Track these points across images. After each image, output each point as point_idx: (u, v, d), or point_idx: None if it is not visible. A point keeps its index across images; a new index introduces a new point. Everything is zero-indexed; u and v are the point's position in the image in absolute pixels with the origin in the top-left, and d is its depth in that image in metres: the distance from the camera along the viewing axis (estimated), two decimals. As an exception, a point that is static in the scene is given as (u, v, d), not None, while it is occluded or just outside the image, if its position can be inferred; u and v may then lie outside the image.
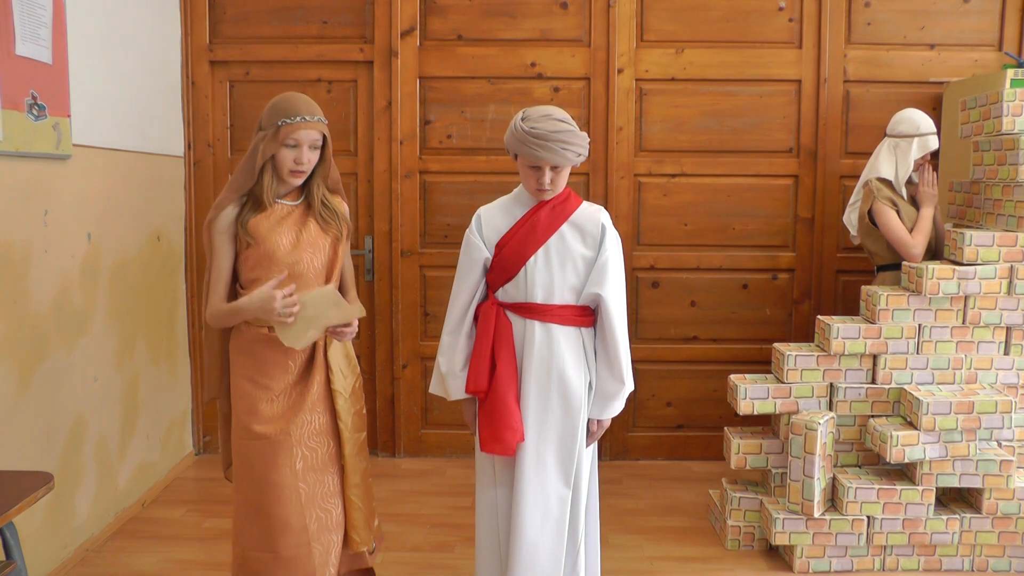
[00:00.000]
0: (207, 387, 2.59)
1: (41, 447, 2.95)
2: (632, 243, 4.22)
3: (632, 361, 2.47)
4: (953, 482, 3.08)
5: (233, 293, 2.44)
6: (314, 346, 2.42)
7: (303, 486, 2.38)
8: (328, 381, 2.45)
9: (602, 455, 4.28)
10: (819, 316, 3.33)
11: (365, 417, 2.57)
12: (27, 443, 2.86)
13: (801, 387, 3.22)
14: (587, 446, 2.47)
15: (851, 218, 3.64)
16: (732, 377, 3.36)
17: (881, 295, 3.17)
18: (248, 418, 2.38)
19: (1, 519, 2.15)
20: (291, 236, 2.38)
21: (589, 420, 2.45)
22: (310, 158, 2.37)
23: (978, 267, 3.12)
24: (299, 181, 2.39)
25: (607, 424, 2.48)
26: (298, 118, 2.31)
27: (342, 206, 2.53)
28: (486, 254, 2.41)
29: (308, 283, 2.39)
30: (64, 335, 3.10)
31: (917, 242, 3.35)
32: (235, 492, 2.46)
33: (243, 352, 2.41)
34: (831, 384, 3.23)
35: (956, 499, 3.24)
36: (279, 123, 2.31)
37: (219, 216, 2.37)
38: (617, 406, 2.44)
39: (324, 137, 2.39)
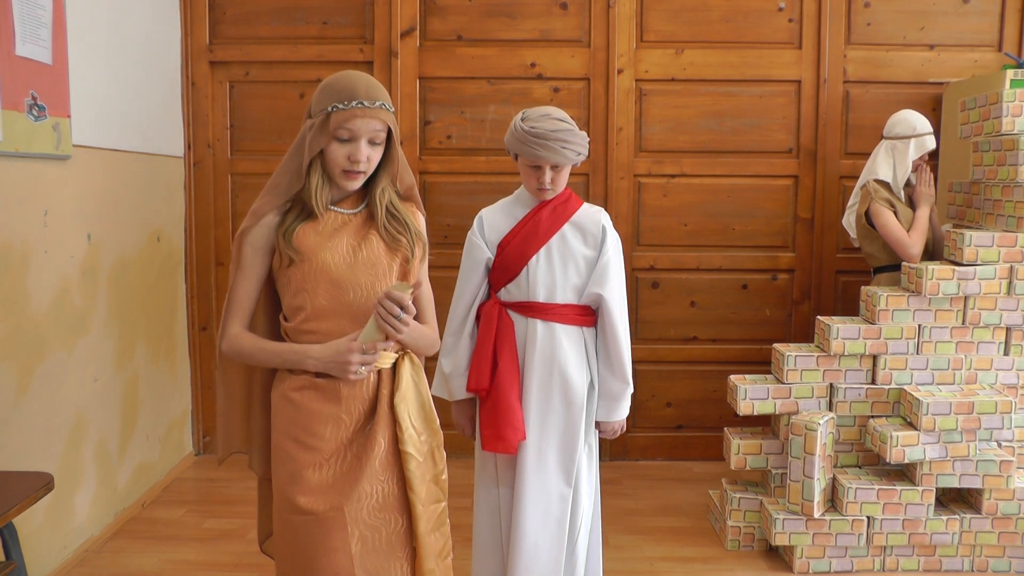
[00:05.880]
0: (223, 438, 2.03)
1: (41, 447, 2.94)
2: (632, 243, 4.22)
3: (632, 361, 2.47)
4: (953, 482, 3.08)
5: (273, 323, 1.97)
6: (377, 395, 1.89)
7: (361, 573, 1.84)
8: (396, 439, 1.89)
9: (602, 455, 4.26)
10: (819, 316, 3.34)
11: (446, 483, 2.00)
12: (27, 443, 2.86)
13: (801, 387, 3.22)
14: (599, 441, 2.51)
15: (850, 220, 3.64)
16: (732, 378, 3.36)
17: (881, 295, 3.17)
18: (291, 488, 1.85)
19: (1, 519, 2.15)
20: (346, 252, 1.85)
21: (600, 424, 2.47)
22: (369, 155, 1.83)
23: (978, 267, 3.12)
24: (355, 184, 1.86)
25: (620, 426, 2.49)
26: (354, 103, 1.78)
27: (416, 217, 1.98)
28: (488, 254, 2.42)
29: (366, 315, 1.84)
30: (64, 335, 3.10)
31: (915, 241, 3.35)
32: (278, 575, 1.95)
33: (286, 402, 1.88)
34: (831, 384, 3.23)
35: (956, 499, 3.24)
36: (330, 108, 1.79)
37: (256, 226, 1.86)
38: (625, 406, 2.45)
39: (389, 129, 1.85)
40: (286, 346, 1.87)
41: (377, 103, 1.81)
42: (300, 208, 1.87)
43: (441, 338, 2.46)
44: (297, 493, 1.84)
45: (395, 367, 1.92)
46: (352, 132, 1.80)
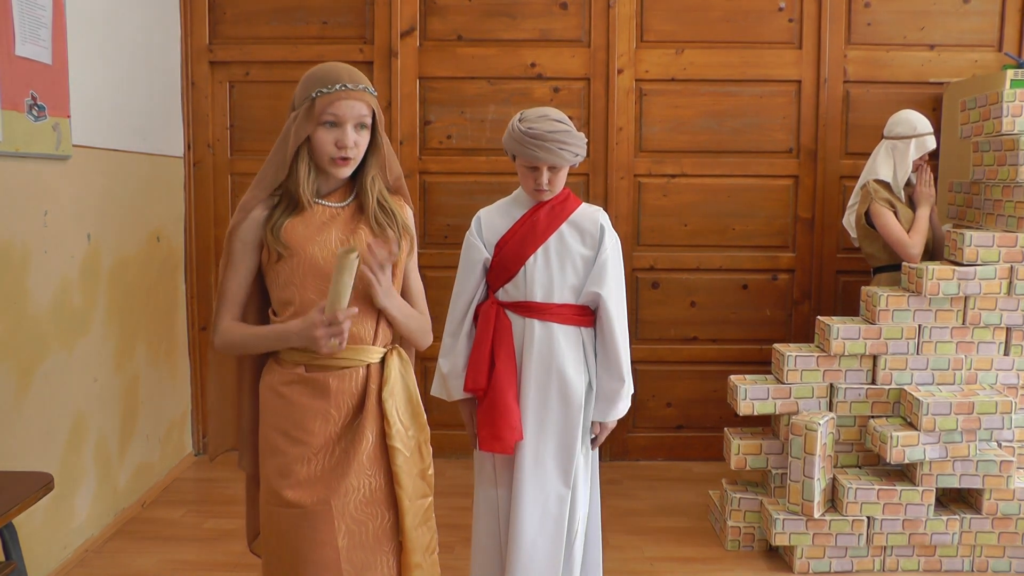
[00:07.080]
0: (215, 435, 2.03)
1: (41, 447, 2.95)
2: (632, 243, 4.22)
3: (632, 361, 2.46)
4: (953, 483, 3.08)
5: (263, 318, 1.96)
6: (365, 391, 1.89)
7: (348, 567, 1.85)
8: (383, 434, 1.89)
9: (602, 455, 4.27)
10: (819, 317, 3.33)
11: (432, 478, 2.02)
12: (27, 443, 2.86)
13: (801, 388, 3.22)
14: (593, 449, 2.47)
15: (850, 220, 3.64)
16: (732, 378, 3.36)
17: (881, 296, 3.17)
18: (279, 481, 1.85)
19: (1, 520, 2.15)
20: (335, 246, 1.85)
21: (593, 423, 2.46)
22: (357, 140, 1.82)
23: (978, 267, 3.12)
24: (346, 171, 1.85)
25: (611, 427, 2.47)
26: (338, 86, 1.78)
27: (404, 210, 1.98)
28: (485, 255, 2.42)
29: (358, 308, 1.83)
30: (64, 335, 3.10)
31: (915, 242, 3.35)
32: (264, 569, 1.93)
33: (275, 396, 1.88)
34: (831, 385, 3.23)
35: (956, 500, 3.24)
36: (313, 94, 1.79)
37: (244, 221, 1.86)
38: (622, 407, 2.43)
39: (374, 114, 1.85)
40: (271, 327, 1.87)
41: (360, 86, 1.81)
42: (288, 202, 1.86)
43: (440, 339, 2.47)
44: (285, 487, 1.84)
45: (383, 362, 1.91)
46: (337, 116, 1.80)
